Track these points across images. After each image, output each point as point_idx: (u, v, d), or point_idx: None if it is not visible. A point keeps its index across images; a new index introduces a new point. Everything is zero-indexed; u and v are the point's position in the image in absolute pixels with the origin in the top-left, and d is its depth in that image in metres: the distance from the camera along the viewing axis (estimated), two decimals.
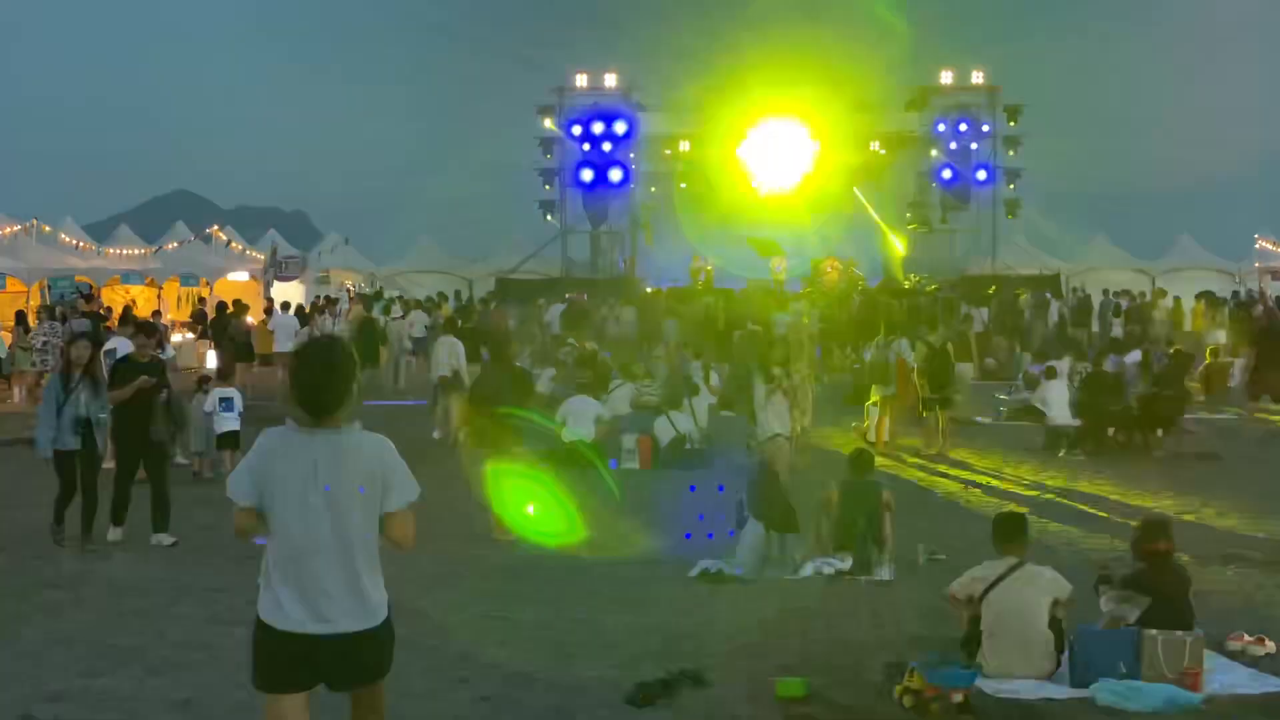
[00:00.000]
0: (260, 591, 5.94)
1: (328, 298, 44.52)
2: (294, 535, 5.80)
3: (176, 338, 36.96)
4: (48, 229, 39.13)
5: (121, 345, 19.72)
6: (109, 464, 15.49)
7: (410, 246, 63.07)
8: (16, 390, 30.75)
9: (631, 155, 57.77)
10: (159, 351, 17.09)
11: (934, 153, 60.01)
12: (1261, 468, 21.21)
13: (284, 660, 5.82)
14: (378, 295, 45.11)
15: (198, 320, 39.27)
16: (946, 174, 59.07)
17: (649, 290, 54.41)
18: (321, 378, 5.91)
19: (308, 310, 38.24)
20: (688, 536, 14.63)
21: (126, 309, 34.27)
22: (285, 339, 33.13)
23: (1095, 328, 46.37)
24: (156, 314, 36.98)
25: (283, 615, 5.80)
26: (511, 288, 55.04)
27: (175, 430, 15.55)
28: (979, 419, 27.82)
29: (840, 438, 23.99)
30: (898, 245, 59.77)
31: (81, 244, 40.10)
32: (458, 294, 52.28)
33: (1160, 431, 22.57)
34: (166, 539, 14.81)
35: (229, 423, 19.77)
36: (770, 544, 13.76)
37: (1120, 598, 10.19)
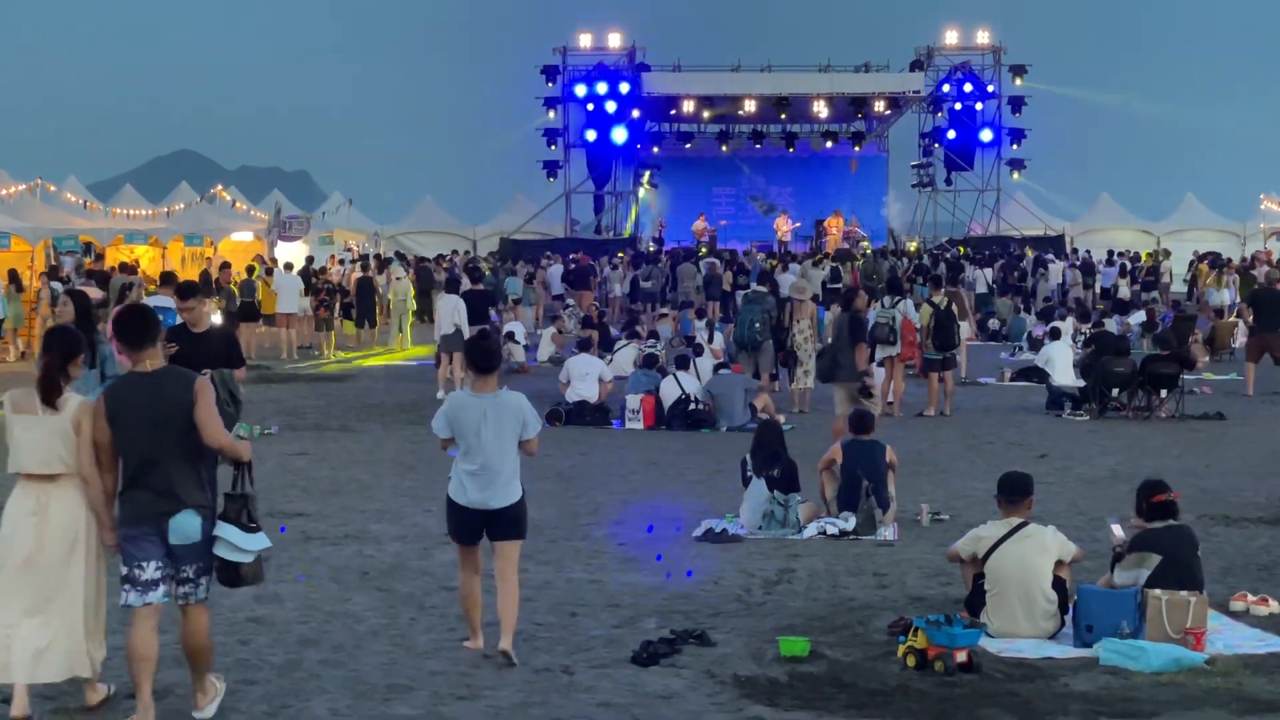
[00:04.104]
0: (450, 482, 9.55)
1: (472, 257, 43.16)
2: (472, 454, 9.41)
3: None
4: (52, 188, 39.05)
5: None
6: None
7: (413, 207, 63.02)
8: (13, 349, 30.87)
9: (635, 115, 57.66)
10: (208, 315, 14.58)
11: (938, 113, 59.93)
12: (1265, 427, 21.20)
13: (463, 522, 9.54)
14: (387, 260, 44.95)
15: (203, 281, 39.23)
16: (951, 134, 58.97)
17: (652, 250, 54.42)
18: (490, 350, 9.80)
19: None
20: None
21: (126, 268, 34.23)
22: (288, 299, 33.13)
23: (1098, 288, 46.39)
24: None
25: (465, 496, 9.45)
26: (515, 248, 55.04)
27: (228, 411, 13.30)
28: (983, 380, 27.79)
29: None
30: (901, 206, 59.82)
31: (89, 203, 40.04)
32: (454, 253, 52.25)
33: (1163, 392, 22.54)
34: None
35: None
36: (773, 503, 13.77)
37: (1132, 562, 10.19)
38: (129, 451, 7.90)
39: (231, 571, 8.03)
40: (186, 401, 7.84)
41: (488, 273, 43.27)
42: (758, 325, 23.13)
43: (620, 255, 50.01)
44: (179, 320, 14.18)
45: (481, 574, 9.68)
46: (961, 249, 53.39)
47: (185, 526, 7.83)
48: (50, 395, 8.00)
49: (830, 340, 18.97)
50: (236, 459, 8.07)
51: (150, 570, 7.88)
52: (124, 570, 7.93)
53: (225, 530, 7.96)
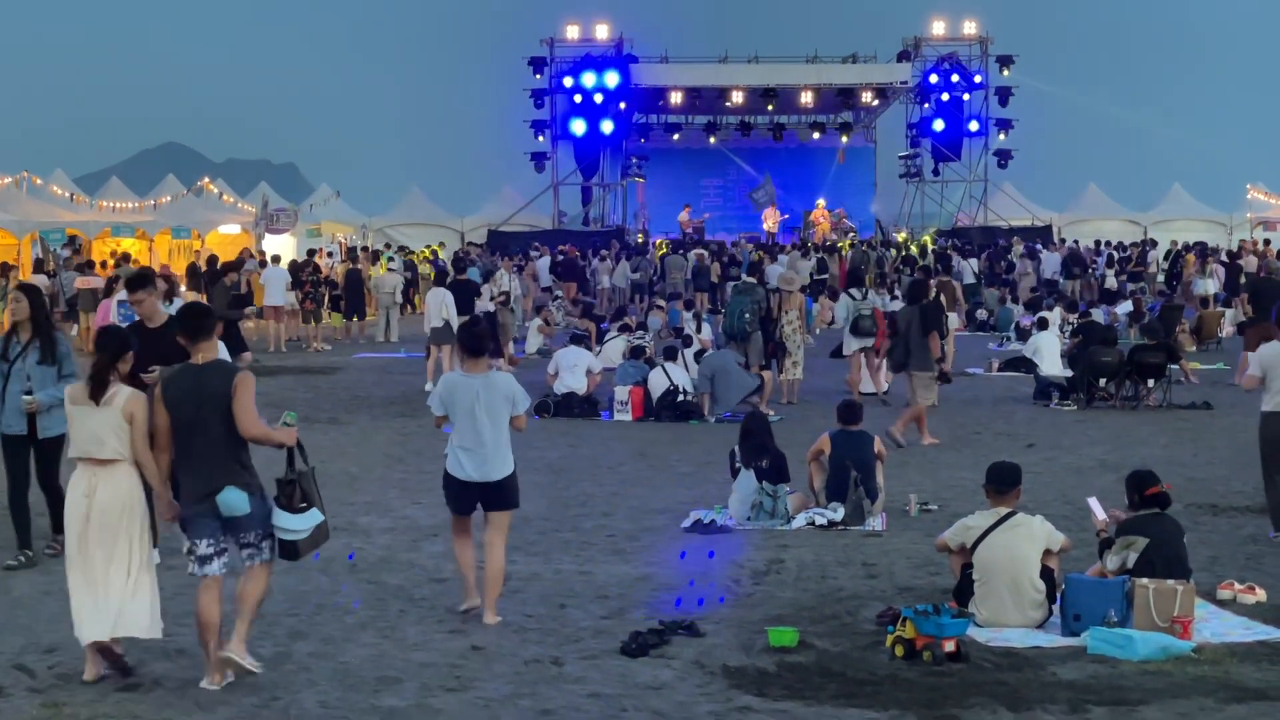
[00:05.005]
0: (448, 457, 10.28)
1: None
2: (466, 432, 10.18)
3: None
4: (38, 181, 38.97)
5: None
6: None
7: (401, 199, 62.92)
8: None
9: (623, 106, 57.57)
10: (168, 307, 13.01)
11: (926, 104, 59.88)
12: (1252, 416, 21.15)
13: (461, 494, 10.29)
14: (378, 252, 44.97)
15: (191, 274, 39.22)
16: (938, 125, 58.93)
17: (642, 241, 54.41)
18: (480, 335, 10.60)
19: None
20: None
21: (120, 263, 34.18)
22: (276, 292, 33.08)
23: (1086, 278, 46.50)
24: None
25: (461, 470, 10.20)
26: (502, 240, 55.00)
27: None
28: (970, 370, 27.80)
29: (831, 388, 23.98)
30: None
31: (75, 196, 39.97)
32: (441, 245, 52.32)
33: (1151, 382, 22.58)
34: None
35: None
36: (762, 494, 13.79)
37: (1120, 546, 10.23)
38: (179, 436, 8.75)
39: (288, 549, 8.90)
40: (226, 393, 8.69)
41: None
42: (747, 316, 23.09)
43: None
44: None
45: (473, 543, 10.47)
46: (928, 241, 53.48)
47: (231, 501, 8.60)
48: (97, 392, 8.89)
49: (900, 331, 19.31)
50: (279, 445, 8.92)
51: (203, 547, 8.70)
52: (185, 545, 8.79)
53: (276, 515, 8.84)
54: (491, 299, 30.67)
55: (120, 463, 8.83)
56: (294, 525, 8.84)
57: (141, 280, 12.66)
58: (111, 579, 8.70)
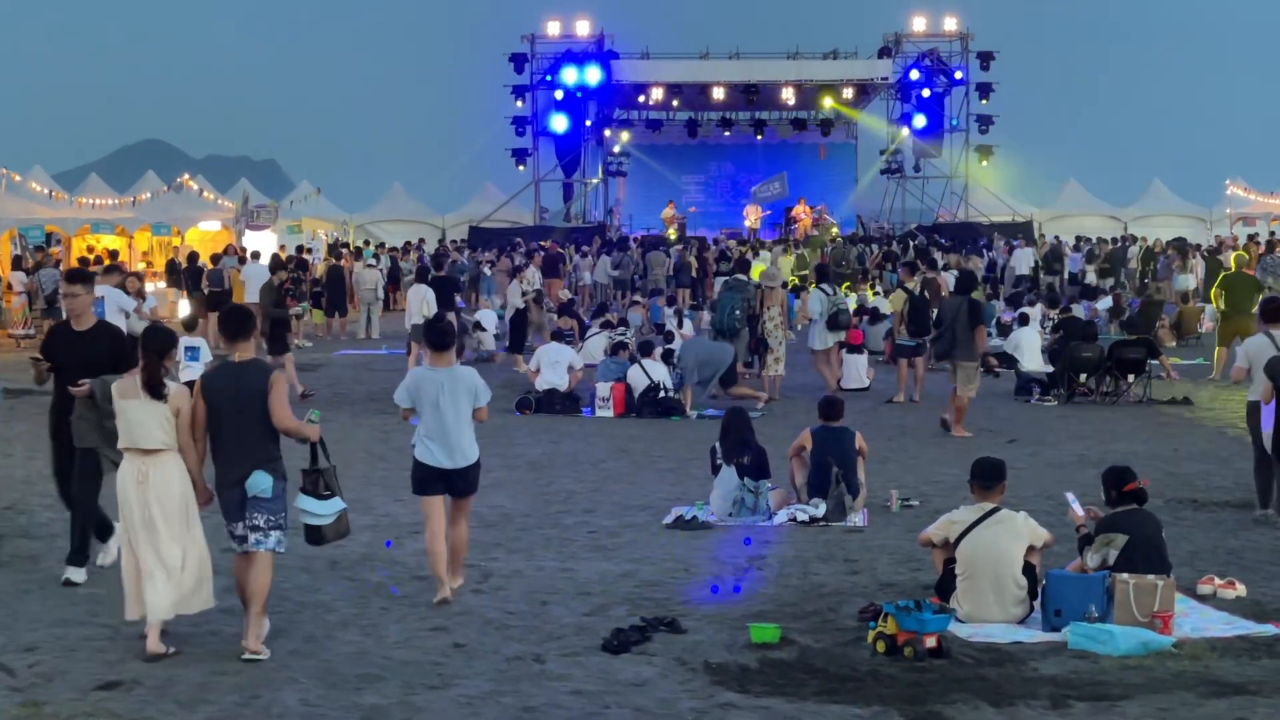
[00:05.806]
0: (416, 446, 10.85)
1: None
2: (431, 422, 10.73)
3: (149, 287, 36.71)
4: (17, 178, 38.81)
5: (109, 295, 19.88)
6: None
7: (382, 195, 62.81)
8: None
9: (604, 102, 57.60)
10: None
11: (907, 101, 59.93)
12: (1232, 412, 21.29)
13: (429, 479, 10.81)
14: (359, 248, 44.95)
15: (171, 270, 39.15)
16: (919, 121, 58.98)
17: (623, 237, 54.40)
18: (444, 330, 11.21)
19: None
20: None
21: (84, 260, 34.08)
22: (255, 289, 32.97)
23: (1067, 274, 46.58)
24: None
25: (430, 456, 10.75)
26: (484, 236, 54.96)
27: (105, 429, 10.53)
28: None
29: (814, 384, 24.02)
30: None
31: (55, 193, 39.83)
32: (422, 241, 52.28)
33: (1131, 377, 22.65)
34: (79, 574, 11.15)
35: (192, 372, 18.98)
36: (743, 490, 13.79)
37: (1101, 543, 10.26)
38: (217, 428, 9.51)
39: (314, 533, 9.75)
40: (262, 390, 9.44)
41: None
42: (737, 313, 23.10)
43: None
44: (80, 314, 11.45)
45: (445, 534, 10.80)
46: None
47: (258, 482, 9.37)
48: (156, 389, 9.49)
49: (946, 323, 19.60)
50: (306, 439, 9.62)
51: (240, 529, 9.49)
52: (226, 526, 9.60)
53: (302, 501, 9.65)
54: (523, 295, 30.72)
55: (167, 452, 9.48)
56: (319, 510, 9.63)
57: (81, 275, 11.94)
58: (173, 559, 9.39)
